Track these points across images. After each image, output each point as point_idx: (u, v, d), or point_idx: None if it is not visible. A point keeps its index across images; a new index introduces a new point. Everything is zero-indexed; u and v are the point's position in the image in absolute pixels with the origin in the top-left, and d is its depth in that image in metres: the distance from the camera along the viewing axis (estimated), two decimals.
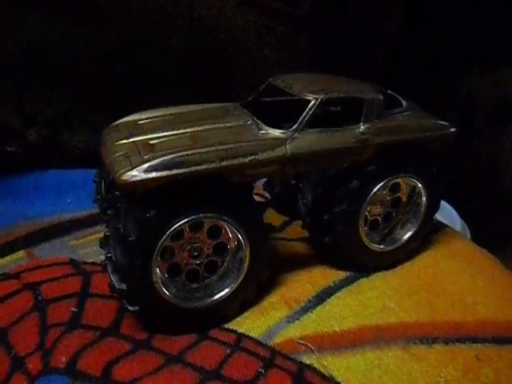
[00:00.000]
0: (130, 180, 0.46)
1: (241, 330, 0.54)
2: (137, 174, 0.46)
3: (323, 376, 0.48)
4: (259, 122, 0.55)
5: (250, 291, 0.56)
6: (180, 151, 0.48)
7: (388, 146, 0.58)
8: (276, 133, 0.53)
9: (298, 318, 0.54)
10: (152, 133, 0.54)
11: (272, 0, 0.78)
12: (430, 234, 0.73)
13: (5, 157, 0.77)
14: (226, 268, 0.55)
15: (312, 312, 0.55)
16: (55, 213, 0.70)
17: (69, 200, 0.75)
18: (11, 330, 0.52)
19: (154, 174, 0.46)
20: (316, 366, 0.48)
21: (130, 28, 0.76)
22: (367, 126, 0.57)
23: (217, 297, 0.53)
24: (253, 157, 0.50)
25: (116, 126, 0.58)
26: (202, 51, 0.82)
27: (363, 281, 0.62)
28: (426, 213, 0.65)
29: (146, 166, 0.47)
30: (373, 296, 0.59)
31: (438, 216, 0.75)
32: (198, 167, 0.47)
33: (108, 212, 0.53)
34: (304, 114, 0.54)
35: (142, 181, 0.46)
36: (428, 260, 0.68)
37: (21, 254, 0.65)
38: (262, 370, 0.47)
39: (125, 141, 0.52)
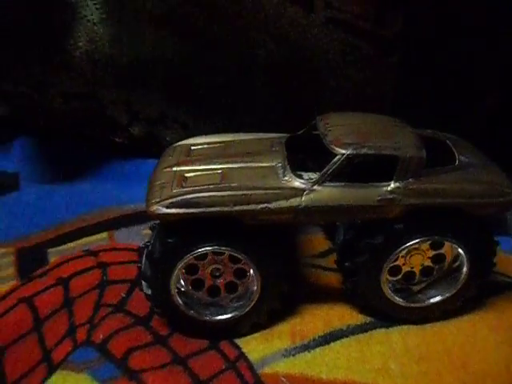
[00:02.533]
0: (155, 212, 0.54)
1: (244, 350, 0.60)
2: (160, 208, 0.54)
3: None
4: (287, 166, 0.58)
5: (261, 316, 0.61)
6: (201, 191, 0.55)
7: (421, 208, 0.55)
8: (297, 182, 0.55)
9: (293, 354, 0.58)
10: (193, 164, 0.61)
11: (358, 19, 0.75)
12: (490, 294, 0.68)
13: (113, 146, 0.93)
14: (242, 291, 0.61)
15: (310, 352, 0.58)
16: (140, 201, 0.83)
17: None
18: (76, 301, 0.67)
19: (173, 211, 0.54)
20: None
21: (222, 42, 0.82)
22: (398, 185, 0.55)
23: (229, 316, 0.61)
24: (265, 205, 0.54)
25: (174, 148, 0.67)
26: (286, 66, 0.83)
27: (379, 332, 0.61)
28: (466, 280, 0.60)
29: (168, 202, 0.54)
30: (378, 351, 0.58)
31: None
32: (212, 209, 0.53)
33: (149, 226, 0.63)
34: (327, 168, 0.55)
35: (164, 214, 0.54)
36: (465, 325, 0.63)
37: (104, 235, 0.80)
38: None
39: (169, 169, 0.60)
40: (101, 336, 0.62)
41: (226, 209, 0.53)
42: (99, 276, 0.72)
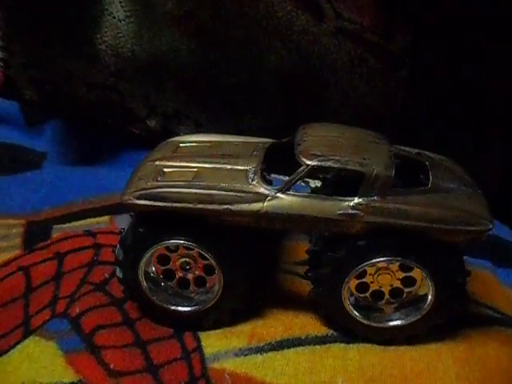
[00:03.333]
0: (126, 202, 0.58)
1: (202, 343, 0.62)
2: (131, 198, 0.57)
3: None
4: (259, 171, 0.59)
5: (223, 314, 0.62)
6: (170, 187, 0.57)
7: (385, 228, 0.54)
8: (262, 188, 0.56)
9: (245, 355, 0.59)
10: (174, 160, 0.63)
11: (367, 32, 0.74)
12: (470, 326, 0.65)
13: (131, 136, 0.98)
14: (209, 287, 0.63)
15: (262, 355, 0.59)
16: None
17: None
18: (66, 275, 0.72)
19: (142, 202, 0.57)
20: None
21: (235, 46, 0.84)
22: (360, 201, 0.54)
23: (192, 309, 0.63)
24: (227, 207, 0.55)
25: (166, 143, 0.70)
26: (295, 73, 0.84)
27: (337, 346, 0.61)
28: (432, 306, 0.58)
29: (139, 193, 0.58)
30: (330, 365, 0.58)
31: None
32: (178, 204, 0.56)
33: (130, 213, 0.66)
34: (292, 177, 0.55)
35: (134, 205, 0.57)
36: (430, 354, 0.60)
37: (106, 218, 0.85)
38: (182, 383, 0.55)
39: (152, 162, 0.64)
40: (77, 310, 0.66)
41: (190, 206, 0.56)
42: (92, 255, 0.77)
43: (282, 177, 0.71)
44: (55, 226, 0.85)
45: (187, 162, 0.62)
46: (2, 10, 0.83)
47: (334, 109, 0.86)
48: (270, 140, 0.68)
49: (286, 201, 0.55)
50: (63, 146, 1.03)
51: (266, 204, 0.55)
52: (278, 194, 0.56)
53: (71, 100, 0.94)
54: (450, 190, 0.56)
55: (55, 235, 0.82)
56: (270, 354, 0.59)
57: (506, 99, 0.76)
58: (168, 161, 0.64)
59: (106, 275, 0.73)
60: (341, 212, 0.54)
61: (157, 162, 0.64)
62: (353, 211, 0.54)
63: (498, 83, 0.73)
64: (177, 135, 0.99)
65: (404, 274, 0.60)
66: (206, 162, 0.62)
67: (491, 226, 0.55)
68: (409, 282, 0.61)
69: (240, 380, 0.56)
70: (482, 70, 0.73)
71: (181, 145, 0.68)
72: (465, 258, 0.81)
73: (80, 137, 1.03)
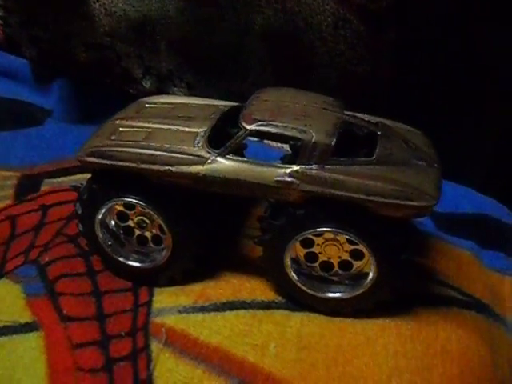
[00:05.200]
0: (78, 158, 0.60)
1: (154, 298, 0.64)
2: (82, 155, 0.59)
3: (148, 362, 0.54)
4: (207, 134, 0.58)
5: (175, 272, 0.64)
6: (118, 146, 0.58)
7: (322, 197, 0.52)
8: (203, 151, 0.56)
9: (188, 313, 0.61)
10: (133, 120, 0.64)
11: None
12: (427, 304, 0.62)
13: (128, 97, 1.00)
14: (165, 245, 0.65)
15: (203, 314, 0.60)
16: None
17: None
18: (46, 226, 0.77)
19: (91, 159, 0.59)
20: (153, 354, 0.55)
21: (222, 5, 0.82)
22: (297, 169, 0.53)
23: (146, 265, 0.65)
24: (168, 167, 0.56)
25: (135, 102, 0.71)
26: (281, 34, 0.80)
27: (280, 313, 0.61)
28: (374, 283, 0.56)
29: (89, 150, 0.59)
30: (267, 330, 0.58)
31: None
32: (121, 163, 0.57)
33: None
34: (231, 141, 0.54)
35: (84, 161, 0.59)
36: (373, 328, 0.59)
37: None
38: (123, 333, 0.58)
39: (114, 121, 0.65)
40: (46, 259, 0.71)
41: (133, 165, 0.57)
42: (71, 210, 0.81)
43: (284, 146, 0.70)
44: (46, 180, 0.89)
45: (144, 122, 0.63)
46: None
47: (320, 73, 0.82)
48: (234, 103, 0.68)
49: (224, 165, 0.55)
50: (68, 104, 1.06)
51: (204, 167, 0.55)
52: (218, 158, 0.55)
53: (70, 59, 0.97)
54: (398, 163, 0.53)
55: (43, 188, 0.87)
56: (212, 314, 0.61)
57: (493, 61, 0.69)
58: (127, 120, 0.65)
59: (80, 228, 0.78)
60: (277, 179, 0.53)
61: (117, 122, 0.65)
62: (289, 179, 0.53)
63: (489, 45, 0.67)
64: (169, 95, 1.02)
65: (352, 247, 0.59)
66: (161, 123, 0.62)
67: (434, 202, 0.52)
68: (358, 255, 0.59)
69: (175, 335, 0.58)
70: (473, 32, 0.66)
71: (146, 105, 0.69)
72: (445, 236, 0.79)
73: (84, 96, 1.07)
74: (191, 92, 0.96)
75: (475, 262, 0.76)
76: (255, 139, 0.75)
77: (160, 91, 1.00)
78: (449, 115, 0.85)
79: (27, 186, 0.87)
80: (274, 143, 0.86)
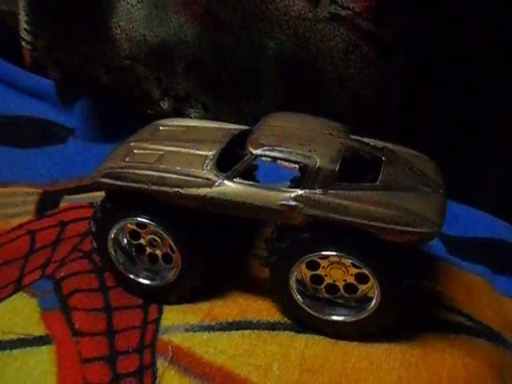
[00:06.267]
0: (93, 178, 0.62)
1: (163, 315, 0.66)
2: (98, 176, 0.62)
3: (154, 379, 0.55)
4: (216, 157, 0.60)
5: (184, 291, 0.66)
6: (131, 168, 0.61)
7: (326, 222, 0.53)
8: (211, 174, 0.58)
9: (194, 331, 0.62)
10: (147, 142, 0.67)
11: (359, 18, 0.70)
12: (435, 331, 0.62)
13: (146, 117, 1.03)
14: (174, 264, 0.66)
15: (209, 333, 0.61)
16: None
17: None
18: (63, 242, 0.79)
19: (105, 180, 0.61)
20: (158, 371, 0.56)
21: (237, 30, 0.84)
22: (302, 193, 0.54)
23: (156, 283, 0.66)
24: (177, 189, 0.58)
25: (151, 125, 0.73)
26: (293, 59, 0.82)
27: (286, 334, 0.62)
28: (378, 305, 0.56)
29: (105, 172, 0.62)
30: (271, 351, 0.59)
31: None
32: (134, 184, 0.60)
33: None
34: (238, 165, 0.56)
35: (99, 182, 0.62)
36: (378, 353, 0.59)
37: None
38: (130, 349, 0.59)
39: (129, 143, 0.68)
40: (62, 274, 0.73)
41: (145, 186, 0.59)
42: (85, 227, 0.84)
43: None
44: (65, 197, 0.93)
45: (156, 144, 0.66)
46: None
47: (331, 97, 0.84)
48: (244, 127, 0.70)
49: (231, 188, 0.56)
50: (89, 123, 1.11)
51: (212, 190, 0.57)
52: (225, 181, 0.57)
53: (92, 81, 1.01)
54: (401, 189, 0.54)
55: (63, 205, 0.91)
56: (218, 333, 0.62)
57: (505, 86, 0.69)
58: (141, 143, 0.67)
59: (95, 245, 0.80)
60: (282, 203, 0.55)
61: (131, 144, 0.68)
62: (293, 203, 0.54)
63: (496, 70, 0.67)
64: (187, 116, 1.05)
65: (356, 271, 0.59)
66: (172, 146, 0.64)
67: (436, 229, 0.52)
68: (363, 278, 0.60)
69: (181, 353, 0.59)
70: (482, 58, 0.67)
71: (160, 128, 0.71)
72: (456, 260, 0.78)
73: (105, 116, 1.11)
74: (207, 113, 0.99)
75: (487, 287, 0.75)
76: (268, 159, 0.77)
77: (177, 112, 1.03)
78: (461, 139, 0.85)
79: (48, 202, 0.90)
80: (286, 163, 0.88)
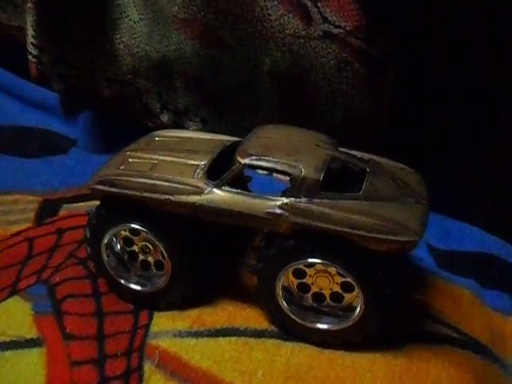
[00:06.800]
0: (89, 185, 0.64)
1: (153, 321, 0.67)
2: (93, 183, 0.64)
3: (140, 382, 0.56)
4: (206, 167, 0.62)
5: (174, 297, 0.67)
6: (124, 175, 0.63)
7: (310, 230, 0.54)
8: (201, 182, 0.60)
9: (182, 337, 0.63)
10: (142, 152, 0.69)
11: (350, 36, 0.72)
12: (418, 341, 0.62)
13: (146, 129, 1.05)
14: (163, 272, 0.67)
15: (197, 339, 0.62)
16: None
17: None
18: (60, 248, 0.81)
19: (100, 187, 0.63)
20: (145, 375, 0.57)
21: (234, 47, 0.87)
22: (287, 201, 0.55)
23: (147, 289, 0.68)
24: (167, 197, 0.59)
25: (147, 135, 0.75)
26: (288, 75, 0.85)
27: (272, 342, 0.62)
28: (362, 317, 0.56)
29: (100, 179, 0.64)
30: (256, 358, 0.60)
31: None
32: (126, 191, 0.61)
33: None
34: (227, 173, 0.58)
35: (94, 189, 0.64)
36: (362, 362, 0.60)
37: None
38: (119, 353, 0.60)
39: (126, 152, 0.70)
40: (57, 279, 0.75)
41: (137, 193, 0.61)
42: (81, 235, 0.85)
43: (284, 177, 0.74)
44: (64, 205, 0.95)
45: (151, 154, 0.68)
46: (35, 15, 0.95)
47: (324, 111, 0.86)
48: (236, 139, 0.72)
49: (219, 196, 0.58)
50: (91, 135, 1.14)
51: (201, 197, 0.59)
52: (214, 189, 0.59)
53: (94, 94, 1.04)
54: (384, 199, 0.55)
55: (61, 213, 0.93)
56: (205, 339, 0.63)
57: (495, 99, 0.70)
58: (137, 152, 0.69)
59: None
60: (268, 210, 0.56)
61: (127, 153, 0.70)
62: (279, 211, 0.56)
63: (485, 84, 0.68)
64: (186, 129, 1.07)
65: (342, 279, 0.60)
66: (166, 155, 0.66)
67: (417, 238, 0.53)
68: (348, 287, 0.60)
69: (168, 358, 0.60)
70: (472, 72, 0.68)
71: (156, 138, 0.74)
72: (445, 274, 0.79)
73: (106, 128, 1.14)
74: (205, 126, 1.02)
75: (475, 301, 0.75)
76: (265, 172, 0.79)
77: (176, 125, 1.05)
78: (453, 153, 0.86)
79: (47, 210, 0.92)
80: (281, 176, 0.89)
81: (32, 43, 1.01)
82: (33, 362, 0.61)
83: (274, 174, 0.86)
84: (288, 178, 0.67)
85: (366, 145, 0.72)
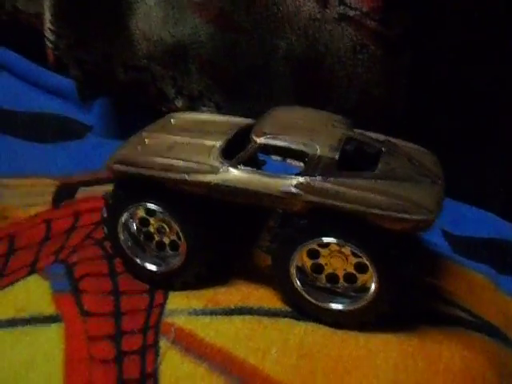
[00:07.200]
0: (107, 165, 0.65)
1: (168, 300, 0.67)
2: (111, 162, 0.65)
3: (156, 357, 0.57)
4: (221, 147, 0.62)
5: (189, 277, 0.67)
6: (141, 155, 0.63)
7: (325, 208, 0.54)
8: (217, 162, 0.60)
9: (197, 315, 0.64)
10: (159, 133, 0.70)
11: (366, 17, 0.72)
12: (434, 323, 0.62)
13: (161, 114, 1.06)
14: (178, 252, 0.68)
15: (211, 317, 0.63)
16: None
17: None
18: (77, 230, 0.82)
19: (117, 166, 0.64)
20: (161, 350, 0.58)
21: (249, 31, 0.87)
22: (302, 180, 0.55)
23: (163, 269, 0.68)
24: (183, 175, 0.60)
25: (163, 118, 0.76)
26: (304, 58, 0.85)
27: (286, 321, 0.63)
28: (376, 296, 0.56)
29: (117, 158, 0.64)
30: (270, 335, 0.60)
31: None
32: (143, 170, 0.62)
33: None
34: (242, 152, 0.58)
35: (111, 168, 0.64)
36: (376, 342, 0.60)
37: None
38: (135, 330, 0.61)
39: (143, 133, 0.70)
40: (74, 259, 0.76)
41: (153, 172, 0.62)
42: (99, 216, 0.87)
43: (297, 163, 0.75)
44: (81, 188, 0.97)
45: (168, 135, 0.68)
46: (53, 0, 0.96)
47: (339, 95, 0.86)
48: (251, 120, 0.72)
49: (234, 175, 0.59)
50: (107, 120, 1.15)
51: (216, 176, 0.59)
52: (230, 168, 0.59)
53: (110, 79, 1.05)
54: (399, 178, 0.55)
55: (78, 196, 0.94)
56: (220, 317, 0.63)
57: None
58: (154, 133, 0.70)
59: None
60: (283, 189, 0.56)
61: (145, 134, 0.71)
62: (294, 189, 0.56)
63: (503, 69, 0.67)
64: None
65: (356, 260, 0.60)
66: (182, 136, 0.67)
67: (432, 217, 0.53)
68: (362, 268, 0.61)
69: (183, 335, 0.61)
70: (488, 56, 0.67)
71: (172, 120, 0.74)
72: (460, 259, 0.78)
73: (122, 113, 1.15)
74: (219, 111, 1.02)
75: (490, 286, 0.75)
76: (278, 158, 0.79)
77: (191, 110, 1.06)
78: (469, 138, 0.85)
79: (64, 194, 0.94)
80: (295, 162, 0.89)
81: (49, 29, 1.03)
82: (51, 336, 0.63)
83: (288, 160, 0.87)
84: (302, 164, 0.67)
85: (382, 129, 0.72)
